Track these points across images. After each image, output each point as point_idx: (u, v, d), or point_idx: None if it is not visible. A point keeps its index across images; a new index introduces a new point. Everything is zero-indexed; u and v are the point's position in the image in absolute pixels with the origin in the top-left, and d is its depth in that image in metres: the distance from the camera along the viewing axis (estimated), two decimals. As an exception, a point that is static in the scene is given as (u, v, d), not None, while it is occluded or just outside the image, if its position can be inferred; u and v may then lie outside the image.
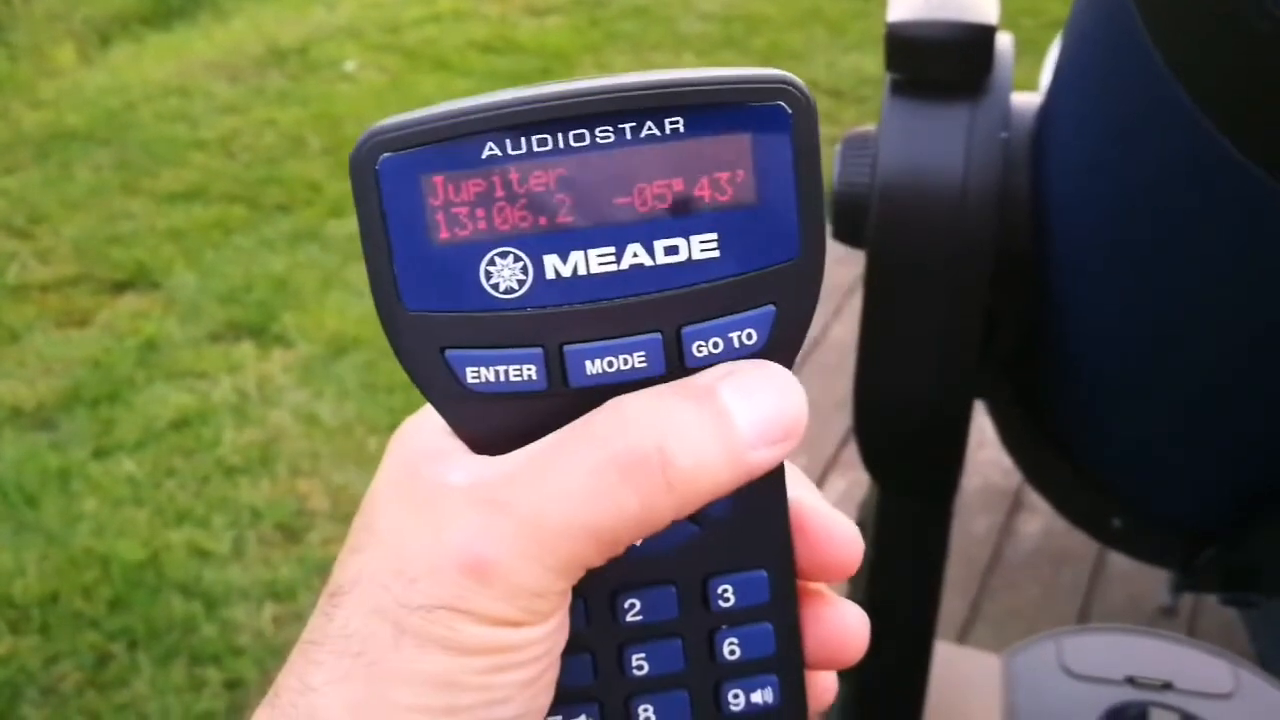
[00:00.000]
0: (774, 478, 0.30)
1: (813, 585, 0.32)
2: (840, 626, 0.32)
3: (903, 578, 0.64)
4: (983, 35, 0.55)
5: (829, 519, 0.31)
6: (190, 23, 3.69)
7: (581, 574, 0.27)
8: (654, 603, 0.30)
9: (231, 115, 3.02)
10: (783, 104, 0.26)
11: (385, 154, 0.26)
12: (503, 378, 0.27)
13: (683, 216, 0.26)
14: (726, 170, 0.26)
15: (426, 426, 0.29)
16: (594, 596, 0.30)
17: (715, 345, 0.27)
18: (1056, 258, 0.57)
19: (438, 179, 0.26)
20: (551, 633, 0.28)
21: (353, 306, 2.21)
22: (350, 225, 2.33)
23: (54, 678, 1.50)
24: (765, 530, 0.30)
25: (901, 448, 0.62)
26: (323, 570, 1.63)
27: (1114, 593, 1.59)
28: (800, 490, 0.31)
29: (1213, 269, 0.48)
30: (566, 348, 0.27)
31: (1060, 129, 0.56)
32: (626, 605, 0.30)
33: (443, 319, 0.27)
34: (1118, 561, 1.62)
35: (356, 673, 0.26)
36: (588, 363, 0.27)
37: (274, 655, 1.53)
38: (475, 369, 0.27)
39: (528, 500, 0.26)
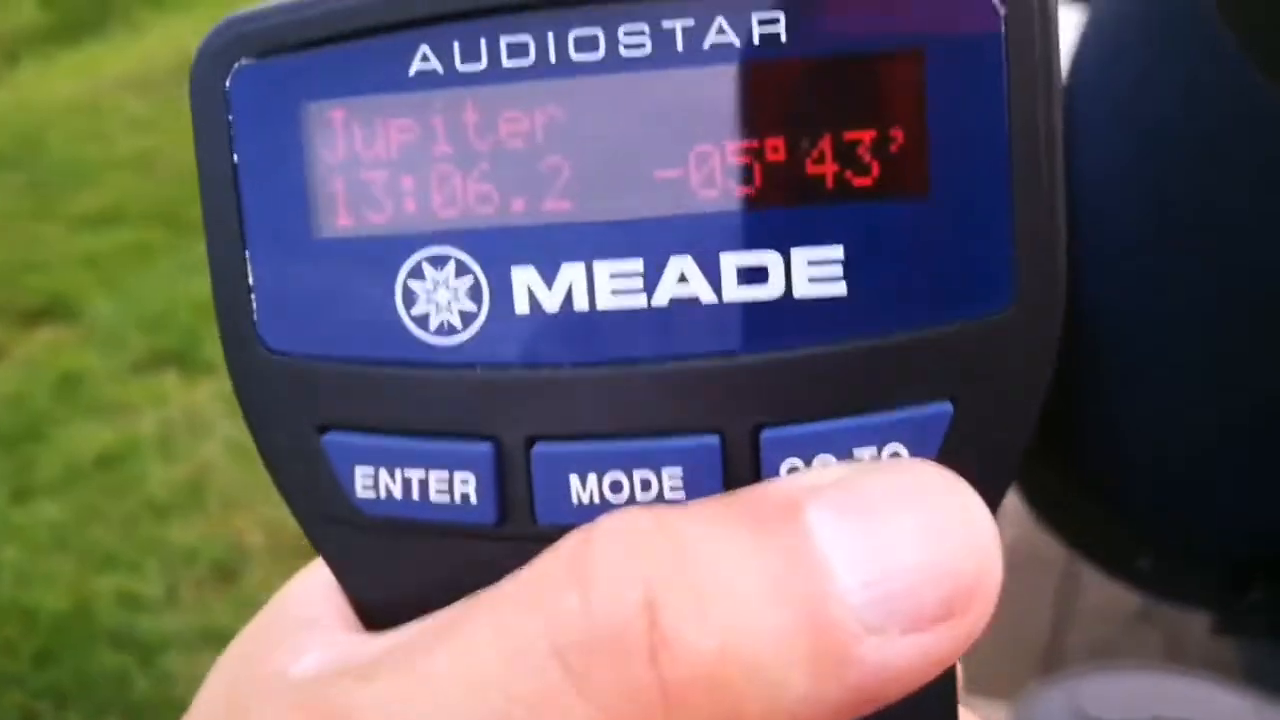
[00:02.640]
0: (930, 705, 0.15)
1: None
2: None
3: None
4: None
5: None
6: (101, 38, 3.63)
7: None
8: None
9: (147, 132, 2.96)
10: (995, 3, 0.14)
11: (243, 60, 0.14)
12: (416, 494, 0.15)
13: (780, 211, 0.14)
14: (870, 127, 0.14)
15: (311, 581, 0.19)
16: None
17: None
18: (1084, 259, 0.53)
19: (335, 113, 0.14)
20: None
21: (283, 328, 2.17)
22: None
23: (-24, 743, 1.43)
24: None
25: None
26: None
27: (1090, 595, 1.57)
28: None
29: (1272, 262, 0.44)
30: (539, 448, 0.15)
31: (1087, 114, 0.52)
32: None
33: (324, 372, 0.15)
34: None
35: None
36: (575, 481, 0.14)
37: (214, 706, 1.47)
38: (370, 471, 0.15)
39: (385, 708, 0.14)
